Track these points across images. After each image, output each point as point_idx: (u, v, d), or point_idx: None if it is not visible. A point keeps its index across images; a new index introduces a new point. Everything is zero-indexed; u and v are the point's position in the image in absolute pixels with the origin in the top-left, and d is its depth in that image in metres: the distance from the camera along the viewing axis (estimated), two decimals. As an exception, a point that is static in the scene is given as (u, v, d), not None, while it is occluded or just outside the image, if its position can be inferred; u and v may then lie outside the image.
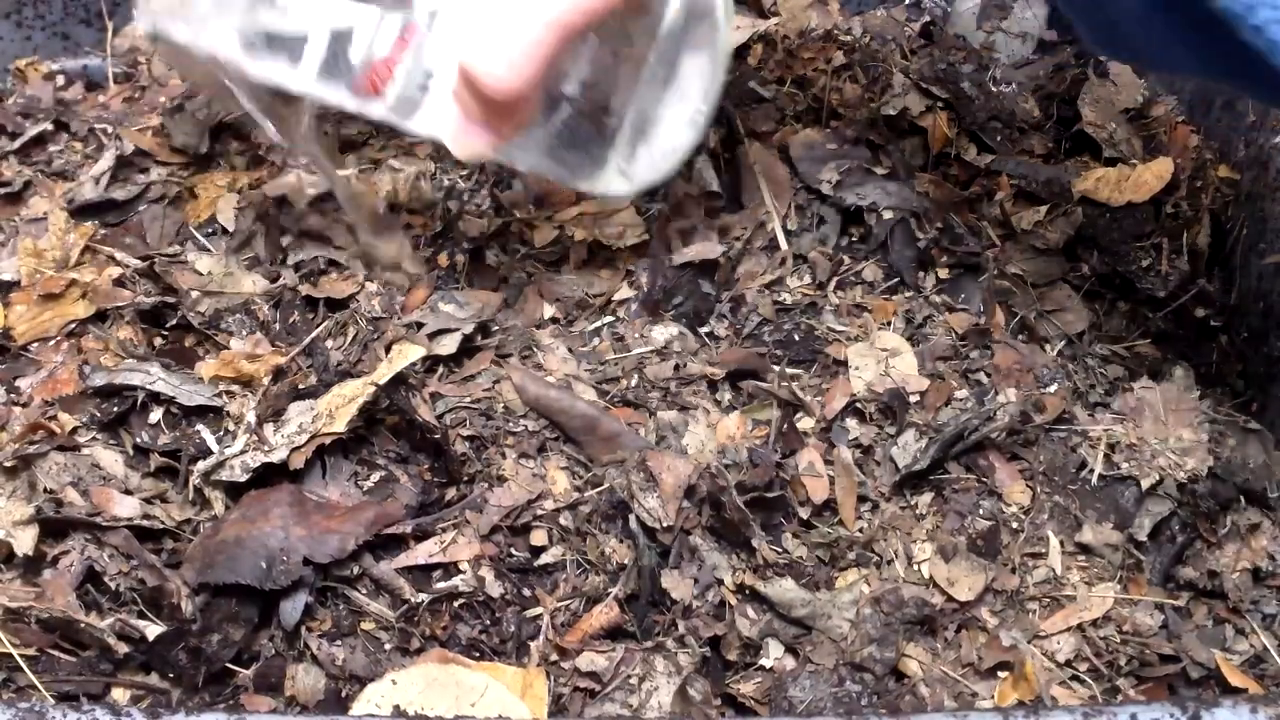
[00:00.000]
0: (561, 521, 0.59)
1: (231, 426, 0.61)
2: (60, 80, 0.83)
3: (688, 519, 0.59)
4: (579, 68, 0.53)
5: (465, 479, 0.61)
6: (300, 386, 0.62)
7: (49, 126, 0.78)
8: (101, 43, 0.85)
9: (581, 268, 0.68)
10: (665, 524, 0.58)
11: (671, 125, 0.56)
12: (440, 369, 0.64)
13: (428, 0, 0.50)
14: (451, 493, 0.61)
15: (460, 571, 0.58)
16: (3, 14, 0.85)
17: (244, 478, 0.59)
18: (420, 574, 0.58)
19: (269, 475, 0.60)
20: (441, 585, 0.58)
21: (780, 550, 0.59)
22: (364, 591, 0.58)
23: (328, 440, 0.60)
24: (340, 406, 0.60)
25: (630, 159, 0.56)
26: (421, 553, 0.58)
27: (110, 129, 0.76)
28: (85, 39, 0.86)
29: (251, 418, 0.60)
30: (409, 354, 0.62)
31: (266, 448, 0.59)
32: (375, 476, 0.61)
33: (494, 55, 0.47)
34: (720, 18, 0.53)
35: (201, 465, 0.59)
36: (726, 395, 0.64)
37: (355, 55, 0.52)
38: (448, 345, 0.64)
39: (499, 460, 0.61)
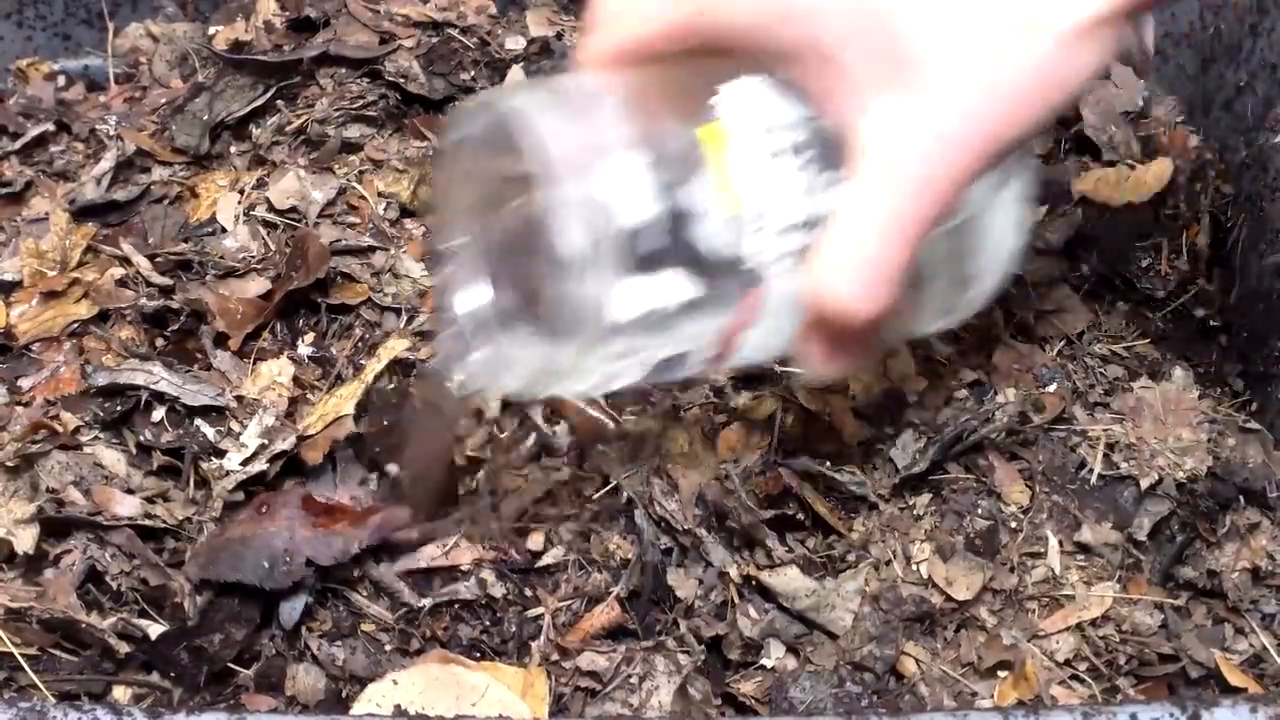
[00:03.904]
0: (565, 525, 0.60)
1: (237, 427, 0.61)
2: (61, 80, 0.83)
3: (699, 522, 0.59)
4: None
5: (466, 490, 0.61)
6: (309, 393, 0.63)
7: (50, 127, 0.78)
8: (103, 43, 0.86)
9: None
10: (684, 527, 0.58)
11: (981, 250, 0.51)
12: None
13: (759, 246, 0.43)
14: (453, 496, 0.61)
15: (462, 575, 0.58)
16: (4, 14, 0.85)
17: (262, 468, 0.59)
18: (421, 577, 0.58)
19: (281, 476, 0.60)
20: (443, 591, 0.58)
21: (787, 548, 0.59)
22: (364, 594, 0.58)
23: (328, 442, 0.60)
24: (340, 407, 0.61)
25: (954, 297, 0.52)
26: (423, 556, 0.58)
27: (111, 129, 0.77)
28: (86, 39, 0.87)
29: (270, 419, 0.60)
30: (395, 348, 0.63)
31: (276, 448, 0.59)
32: (383, 479, 0.61)
33: (850, 281, 0.42)
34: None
35: (216, 463, 0.59)
36: (730, 399, 0.64)
37: (699, 342, 0.45)
38: None
39: (501, 465, 0.61)
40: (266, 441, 0.60)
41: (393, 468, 0.60)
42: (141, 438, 0.60)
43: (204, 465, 0.60)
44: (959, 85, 0.40)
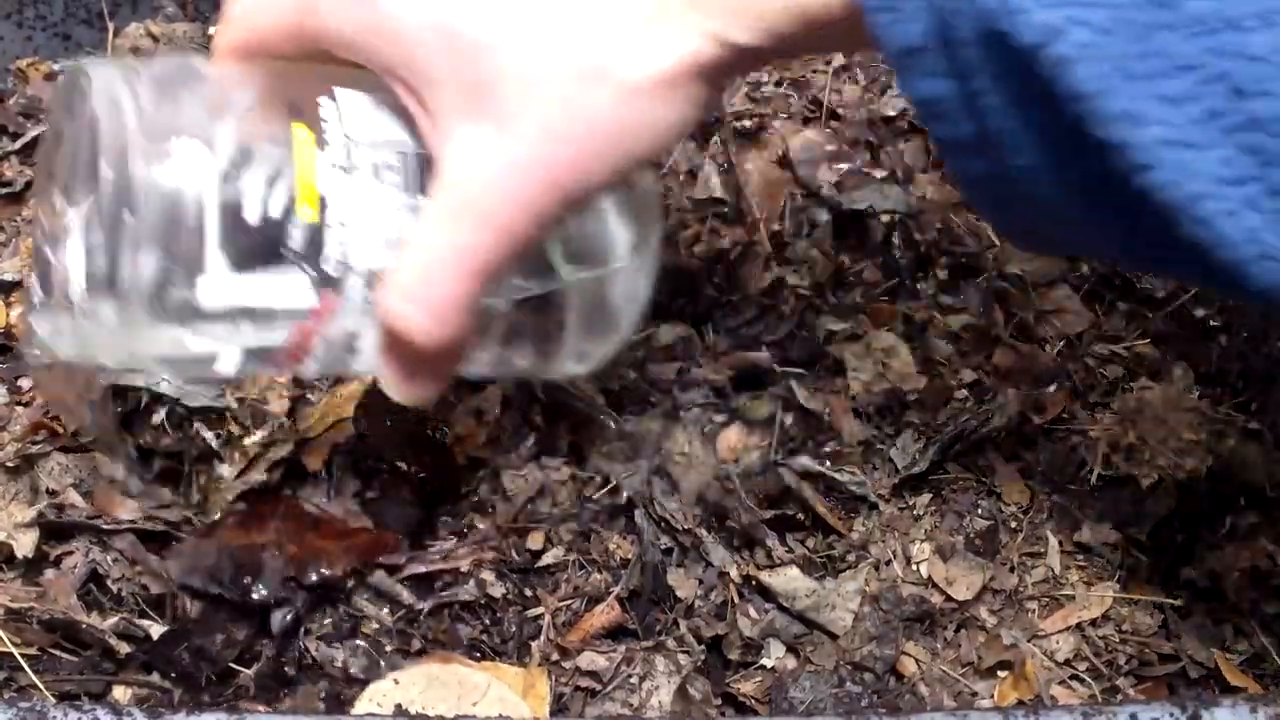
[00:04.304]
0: (564, 525, 0.60)
1: (237, 430, 0.61)
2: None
3: (699, 522, 0.59)
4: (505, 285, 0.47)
5: (465, 490, 0.61)
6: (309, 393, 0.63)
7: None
8: (102, 43, 0.85)
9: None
10: (684, 527, 0.58)
11: (616, 303, 0.52)
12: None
13: (334, 254, 0.43)
14: (453, 497, 0.61)
15: (461, 578, 0.58)
16: (3, 14, 0.85)
17: (261, 478, 0.59)
18: (421, 581, 0.58)
19: (280, 481, 0.60)
20: (444, 594, 0.58)
21: (787, 548, 0.59)
22: (364, 597, 0.58)
23: (328, 447, 0.60)
24: (341, 408, 0.60)
25: (583, 340, 0.52)
26: (421, 560, 0.58)
27: (111, 129, 0.76)
28: (86, 39, 0.86)
29: (272, 426, 0.60)
30: None
31: (276, 455, 0.59)
32: (378, 487, 0.60)
33: (415, 307, 0.42)
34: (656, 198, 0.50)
35: (216, 469, 0.59)
36: (730, 399, 0.64)
37: (270, 338, 0.45)
38: None
39: (501, 466, 0.61)
40: (265, 448, 0.60)
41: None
42: (142, 441, 0.60)
43: (203, 471, 0.60)
44: (530, 124, 0.40)
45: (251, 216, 0.41)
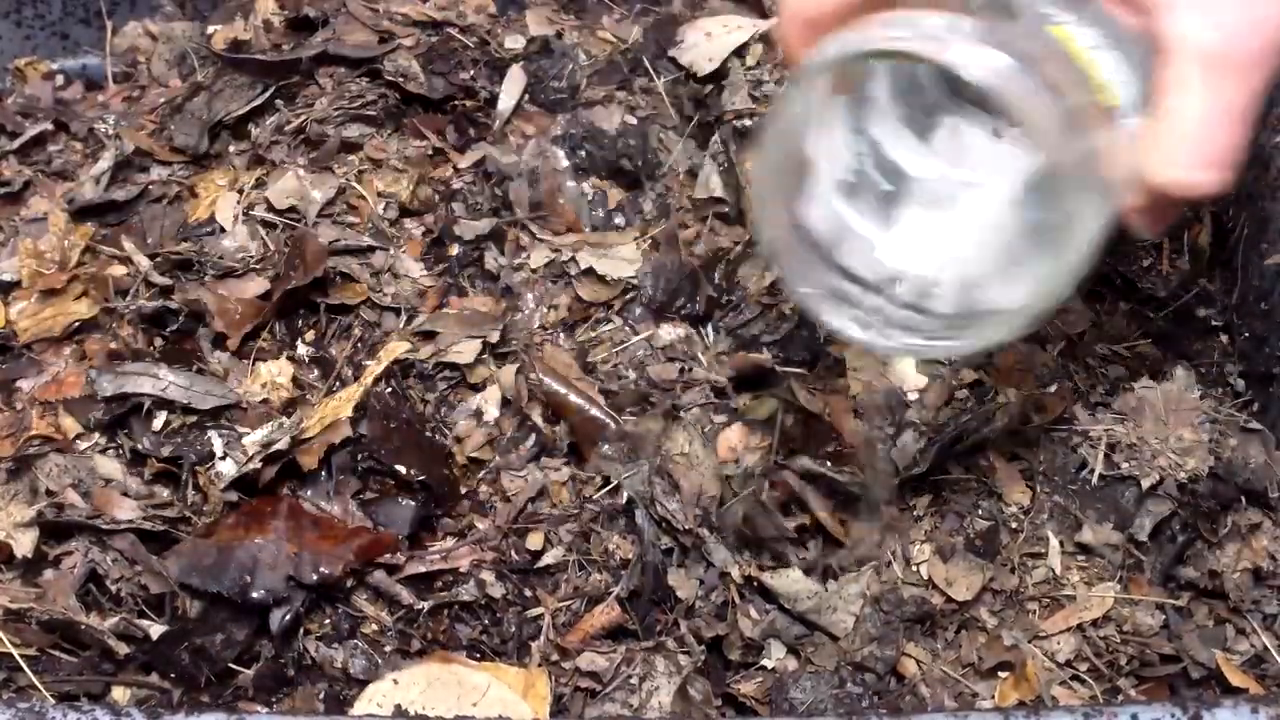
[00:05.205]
0: (565, 525, 0.59)
1: (240, 430, 0.61)
2: (60, 80, 0.83)
3: (700, 522, 0.59)
4: None
5: (466, 490, 0.61)
6: (308, 394, 0.63)
7: (49, 126, 0.78)
8: (101, 42, 0.85)
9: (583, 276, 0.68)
10: (685, 527, 0.58)
11: None
12: (446, 371, 0.64)
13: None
14: (453, 497, 0.61)
15: (461, 578, 0.58)
16: (2, 13, 0.85)
17: (256, 466, 0.59)
18: (420, 581, 0.58)
19: (277, 480, 0.60)
20: (444, 594, 0.57)
21: (800, 556, 0.59)
22: (364, 597, 0.58)
23: (324, 446, 0.60)
24: (339, 410, 0.60)
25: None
26: (421, 560, 0.58)
27: (110, 129, 0.76)
28: (84, 38, 0.86)
29: (272, 426, 0.60)
30: (395, 350, 0.63)
31: (272, 447, 0.59)
32: (378, 487, 0.60)
33: (1201, 169, 0.46)
34: None
35: (214, 469, 0.59)
36: (731, 400, 0.64)
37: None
38: (465, 354, 0.64)
39: (501, 466, 0.61)
40: (263, 448, 0.60)
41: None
42: (140, 445, 0.60)
43: (201, 471, 0.60)
44: None
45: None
